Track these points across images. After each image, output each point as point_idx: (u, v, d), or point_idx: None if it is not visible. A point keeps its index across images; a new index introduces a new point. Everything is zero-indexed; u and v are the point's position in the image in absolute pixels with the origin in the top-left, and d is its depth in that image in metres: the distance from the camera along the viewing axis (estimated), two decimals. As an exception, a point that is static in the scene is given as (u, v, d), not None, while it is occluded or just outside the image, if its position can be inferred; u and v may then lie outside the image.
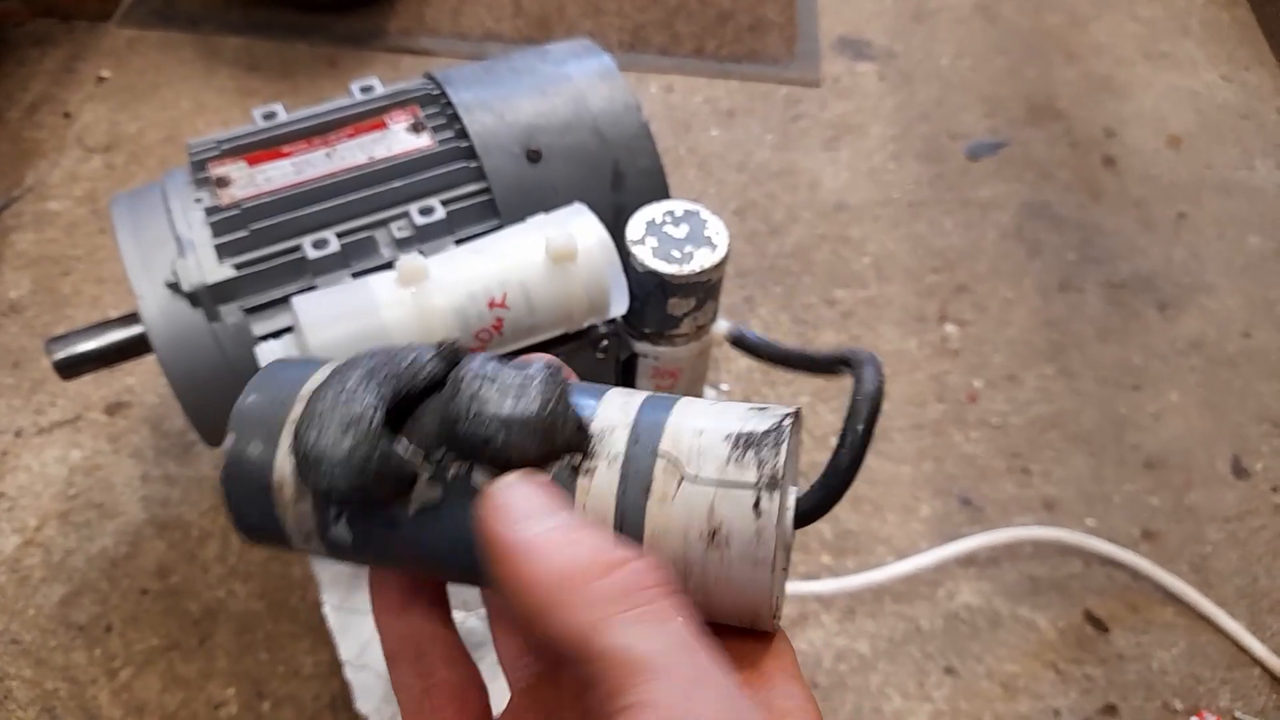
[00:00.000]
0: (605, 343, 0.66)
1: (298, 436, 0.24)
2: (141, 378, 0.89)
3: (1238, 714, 0.76)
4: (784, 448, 0.24)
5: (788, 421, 0.24)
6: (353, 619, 0.73)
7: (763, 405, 0.25)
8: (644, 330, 0.68)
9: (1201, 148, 1.15)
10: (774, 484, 0.23)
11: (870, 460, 0.88)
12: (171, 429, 0.87)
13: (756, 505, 0.23)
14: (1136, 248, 1.06)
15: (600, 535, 0.22)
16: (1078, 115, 1.19)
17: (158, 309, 0.65)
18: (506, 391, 0.24)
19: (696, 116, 1.15)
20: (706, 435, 0.24)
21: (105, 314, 0.93)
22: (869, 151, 1.13)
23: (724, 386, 0.92)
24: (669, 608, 0.21)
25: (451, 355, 0.26)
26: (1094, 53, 1.26)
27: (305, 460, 0.24)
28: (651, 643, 0.20)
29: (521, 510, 0.22)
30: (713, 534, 0.23)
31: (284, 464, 0.25)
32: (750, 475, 0.23)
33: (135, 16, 1.23)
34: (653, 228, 0.66)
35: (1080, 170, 1.13)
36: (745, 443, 0.24)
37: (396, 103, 0.71)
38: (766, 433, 0.24)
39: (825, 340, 0.96)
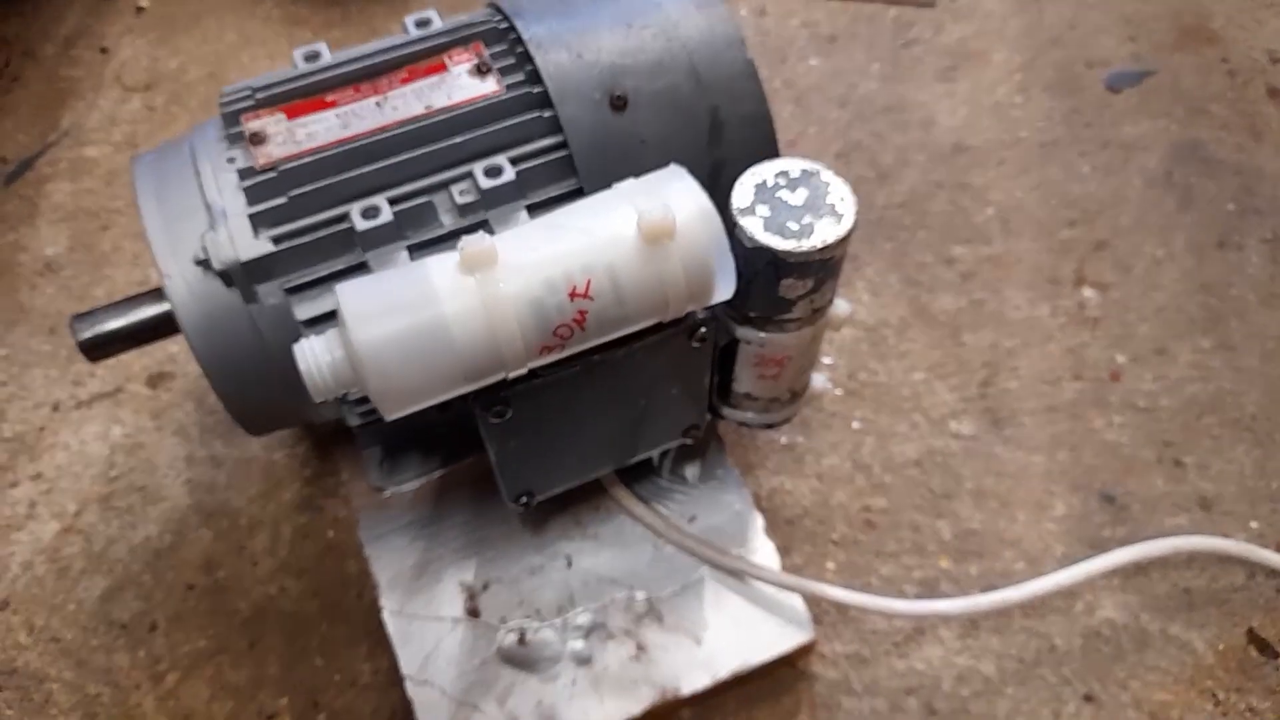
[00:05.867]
0: (703, 330, 0.56)
1: None
2: (184, 345, 0.82)
3: None
4: None
5: None
6: (414, 626, 0.66)
7: None
8: (749, 314, 0.58)
9: (1389, 75, 0.99)
10: None
11: (995, 447, 0.77)
12: (217, 404, 0.79)
13: None
14: (1307, 196, 0.91)
15: None
16: (1236, 38, 1.03)
17: (187, 289, 0.57)
18: None
19: (793, 44, 1.01)
20: None
21: (147, 273, 0.86)
22: (992, 83, 0.99)
23: (827, 360, 0.81)
24: None
25: None
26: (1257, -38, 1.08)
27: None
28: None
29: None
30: None
31: None
32: None
33: (175, -62, 1.13)
34: (763, 193, 0.55)
35: (1239, 104, 0.97)
36: None
37: (458, 40, 0.60)
38: None
39: (941, 306, 0.84)
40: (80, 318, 0.63)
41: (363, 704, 0.68)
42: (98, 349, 0.63)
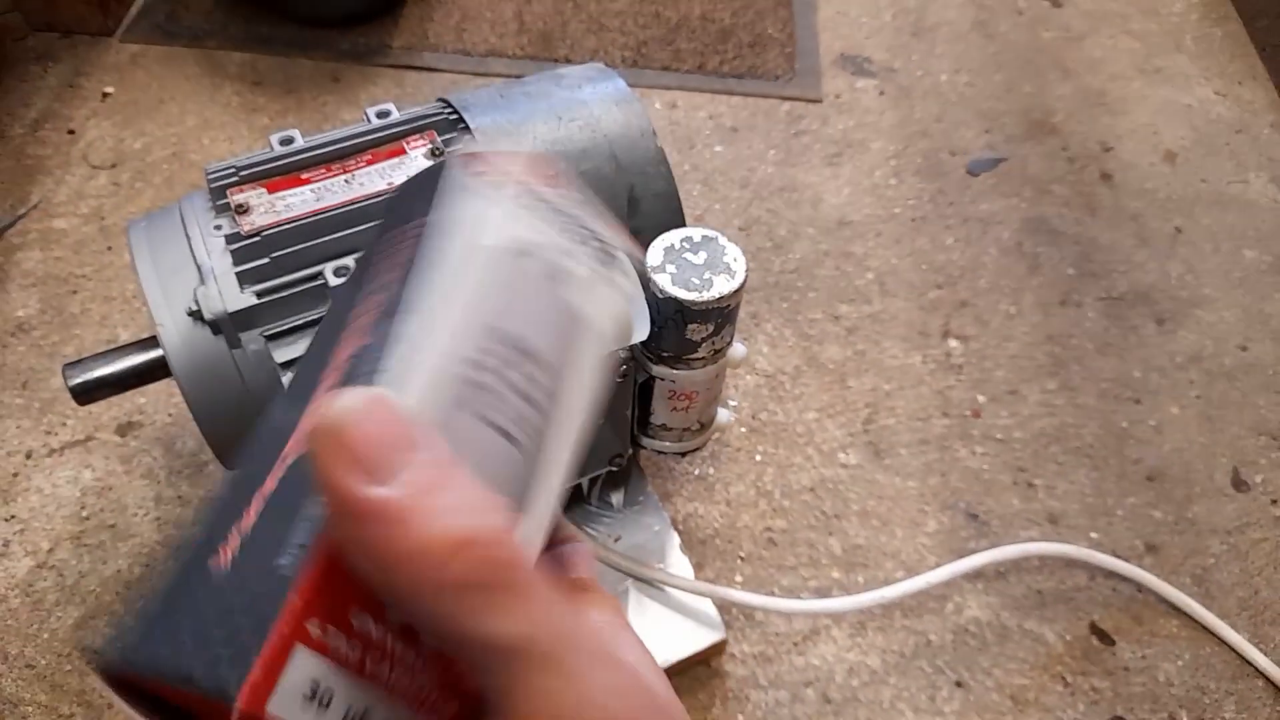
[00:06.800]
0: (624, 367, 0.67)
1: None
2: (152, 397, 0.89)
3: (1242, 725, 0.77)
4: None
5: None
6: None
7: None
8: (662, 354, 0.69)
9: (1196, 162, 1.17)
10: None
11: (877, 475, 0.89)
12: (184, 449, 0.87)
13: None
14: (1134, 262, 1.08)
15: (457, 493, 0.19)
16: (1074, 131, 1.21)
17: (179, 337, 0.66)
18: None
19: (700, 133, 1.16)
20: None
21: (114, 333, 0.94)
22: (870, 167, 1.14)
23: (732, 403, 0.93)
24: (529, 581, 0.20)
25: None
26: (1089, 68, 1.28)
27: None
28: (522, 627, 0.19)
29: (373, 450, 0.19)
30: None
31: None
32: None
33: (138, 31, 1.23)
34: (672, 254, 0.67)
35: (1078, 185, 1.15)
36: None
37: (414, 128, 0.72)
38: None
39: (829, 356, 0.97)
40: (72, 365, 0.71)
41: None
42: (86, 394, 0.71)
